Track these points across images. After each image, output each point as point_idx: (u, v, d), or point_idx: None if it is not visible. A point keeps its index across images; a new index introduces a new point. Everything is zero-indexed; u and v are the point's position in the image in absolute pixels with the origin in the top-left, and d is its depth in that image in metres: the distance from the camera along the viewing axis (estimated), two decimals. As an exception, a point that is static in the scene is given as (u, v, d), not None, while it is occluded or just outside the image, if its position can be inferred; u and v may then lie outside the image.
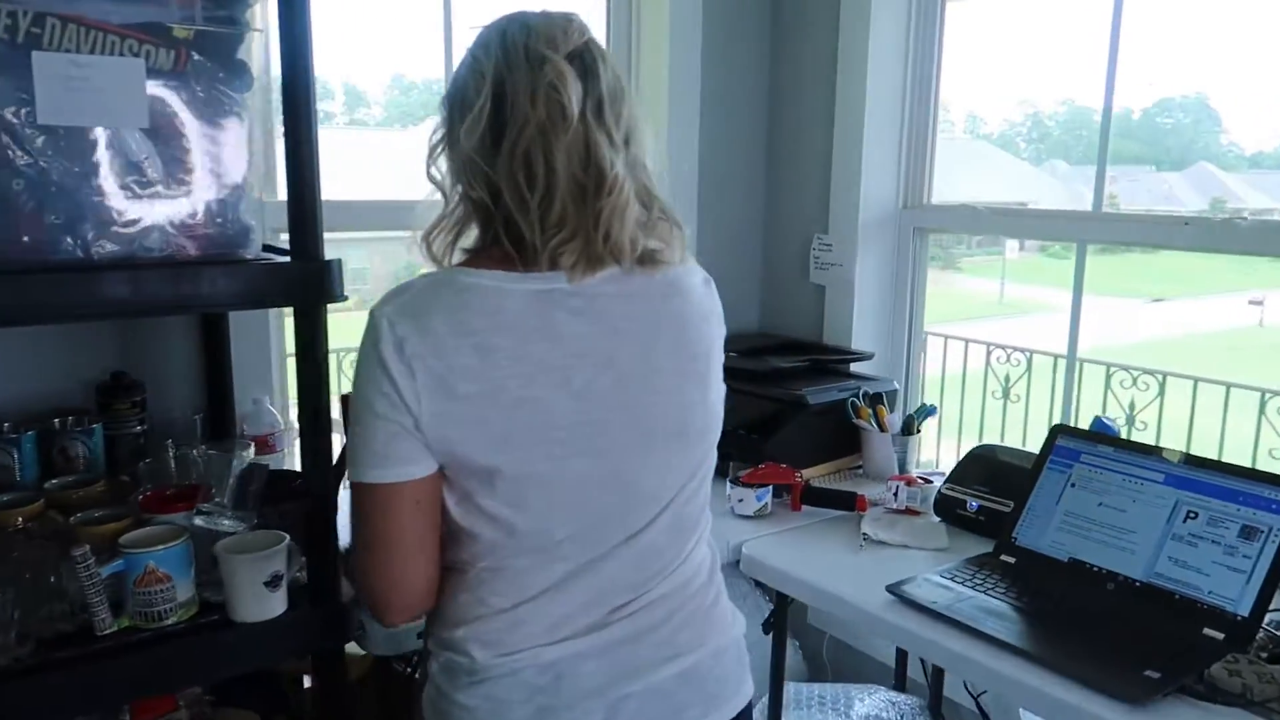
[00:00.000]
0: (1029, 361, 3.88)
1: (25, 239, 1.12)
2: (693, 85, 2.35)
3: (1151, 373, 3.46)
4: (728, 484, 1.88)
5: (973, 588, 1.54)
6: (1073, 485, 1.65)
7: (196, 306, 1.32)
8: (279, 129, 1.25)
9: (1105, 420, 1.82)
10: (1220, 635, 1.37)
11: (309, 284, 1.29)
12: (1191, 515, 1.50)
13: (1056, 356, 4.05)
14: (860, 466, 2.13)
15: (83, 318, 1.46)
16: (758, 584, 2.02)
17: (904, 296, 2.38)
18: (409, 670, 1.67)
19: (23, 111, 1.09)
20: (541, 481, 1.02)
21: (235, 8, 1.22)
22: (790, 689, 2.06)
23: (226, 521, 1.39)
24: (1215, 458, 1.54)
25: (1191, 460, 1.54)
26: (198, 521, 1.37)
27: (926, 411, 2.11)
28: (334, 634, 1.39)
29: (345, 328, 1.50)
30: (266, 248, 1.35)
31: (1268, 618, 1.38)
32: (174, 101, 1.19)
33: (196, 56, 1.19)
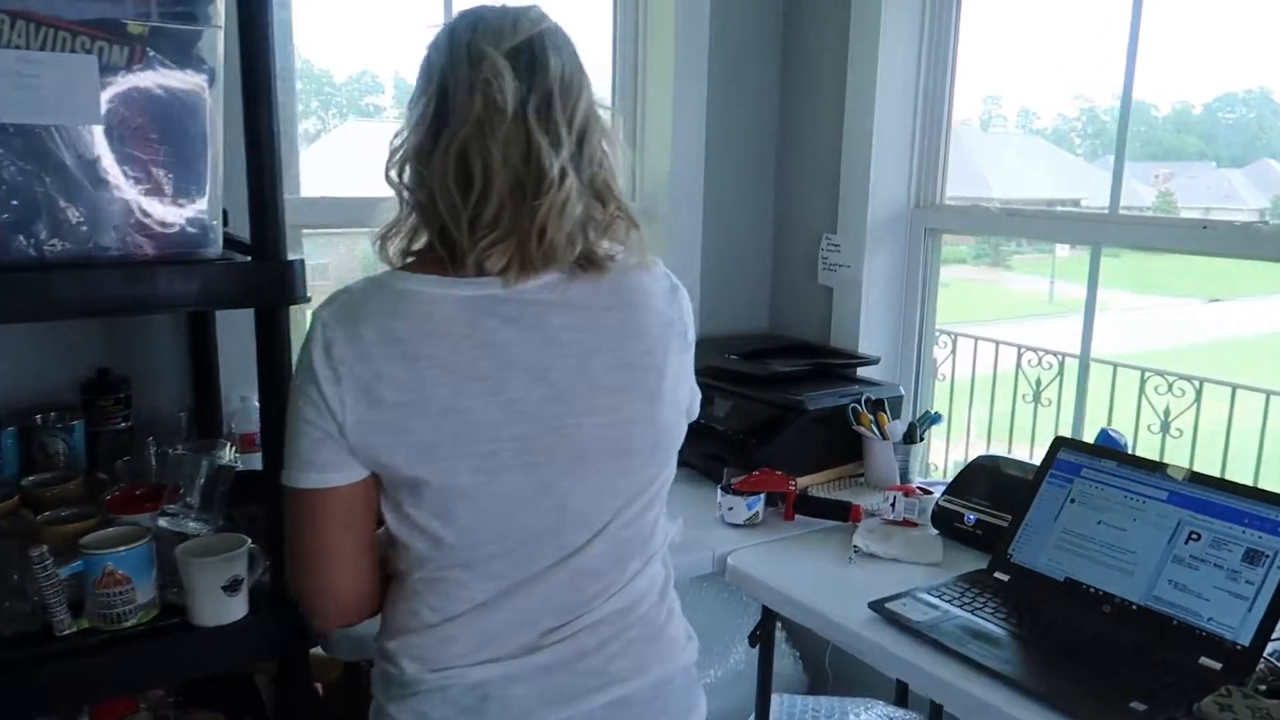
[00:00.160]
0: (1060, 365, 3.77)
1: (-24, 238, 1.11)
2: (699, 82, 2.30)
3: (1188, 378, 3.34)
4: (718, 491, 1.84)
5: (961, 606, 1.48)
6: (1072, 501, 1.58)
7: (152, 307, 1.30)
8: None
9: (1112, 433, 1.74)
10: (1217, 665, 1.30)
11: (270, 285, 1.27)
12: (1194, 536, 1.42)
13: (1088, 360, 3.94)
14: (862, 475, 2.07)
15: (35, 318, 1.46)
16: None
17: (914, 299, 2.31)
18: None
19: (-28, 110, 1.08)
20: (468, 495, 0.98)
21: (194, 3, 1.20)
22: (783, 702, 2.01)
23: (192, 523, 1.38)
24: (1220, 475, 1.47)
25: (1197, 478, 1.47)
26: (162, 523, 1.36)
27: (931, 419, 2.05)
28: (296, 639, 1.37)
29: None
30: (239, 247, 1.33)
31: (1269, 648, 1.30)
32: (129, 98, 1.17)
33: (152, 53, 1.17)
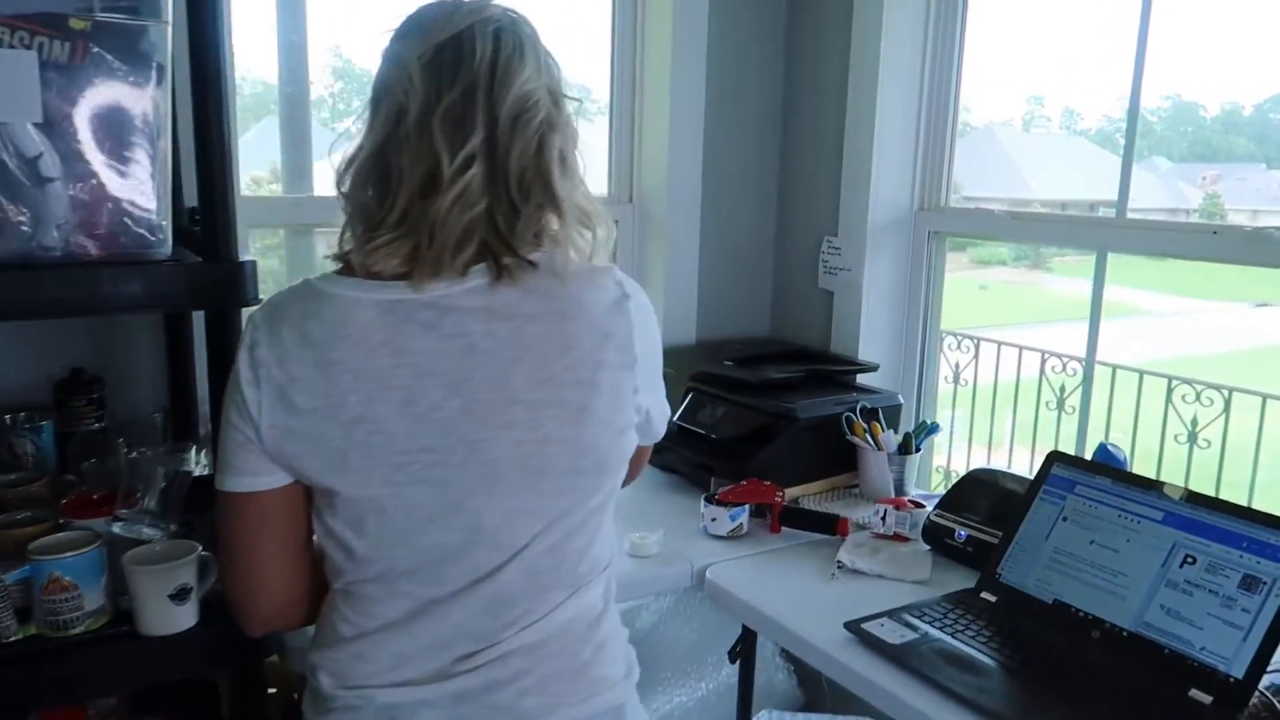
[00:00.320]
0: (1087, 371, 3.67)
1: (-87, 237, 1.09)
2: (697, 82, 2.25)
3: (1216, 387, 3.23)
4: (702, 501, 1.78)
5: (942, 628, 1.41)
6: (1065, 519, 1.50)
7: (94, 309, 1.28)
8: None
9: (1110, 448, 1.66)
10: (1208, 699, 1.23)
11: (219, 287, 1.24)
12: (1189, 560, 1.35)
13: (1116, 367, 3.85)
14: (857, 486, 2.00)
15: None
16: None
17: (917, 303, 2.24)
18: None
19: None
20: (378, 507, 0.95)
21: (140, -2, 1.17)
22: (770, 718, 1.95)
23: (147, 529, 1.36)
24: (1217, 495, 1.38)
25: (1194, 498, 1.39)
26: (115, 528, 1.33)
27: (929, 429, 1.97)
28: (249, 649, 1.33)
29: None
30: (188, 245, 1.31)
31: (1264, 681, 1.22)
32: (71, 95, 1.14)
33: (96, 49, 1.14)
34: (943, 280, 2.24)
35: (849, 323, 2.22)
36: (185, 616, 1.28)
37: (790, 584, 1.60)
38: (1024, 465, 3.50)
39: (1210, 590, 1.31)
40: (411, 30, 0.97)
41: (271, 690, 1.59)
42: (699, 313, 2.36)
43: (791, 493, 1.94)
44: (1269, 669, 1.22)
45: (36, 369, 1.67)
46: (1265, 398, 3.17)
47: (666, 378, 2.25)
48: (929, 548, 1.71)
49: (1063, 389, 3.73)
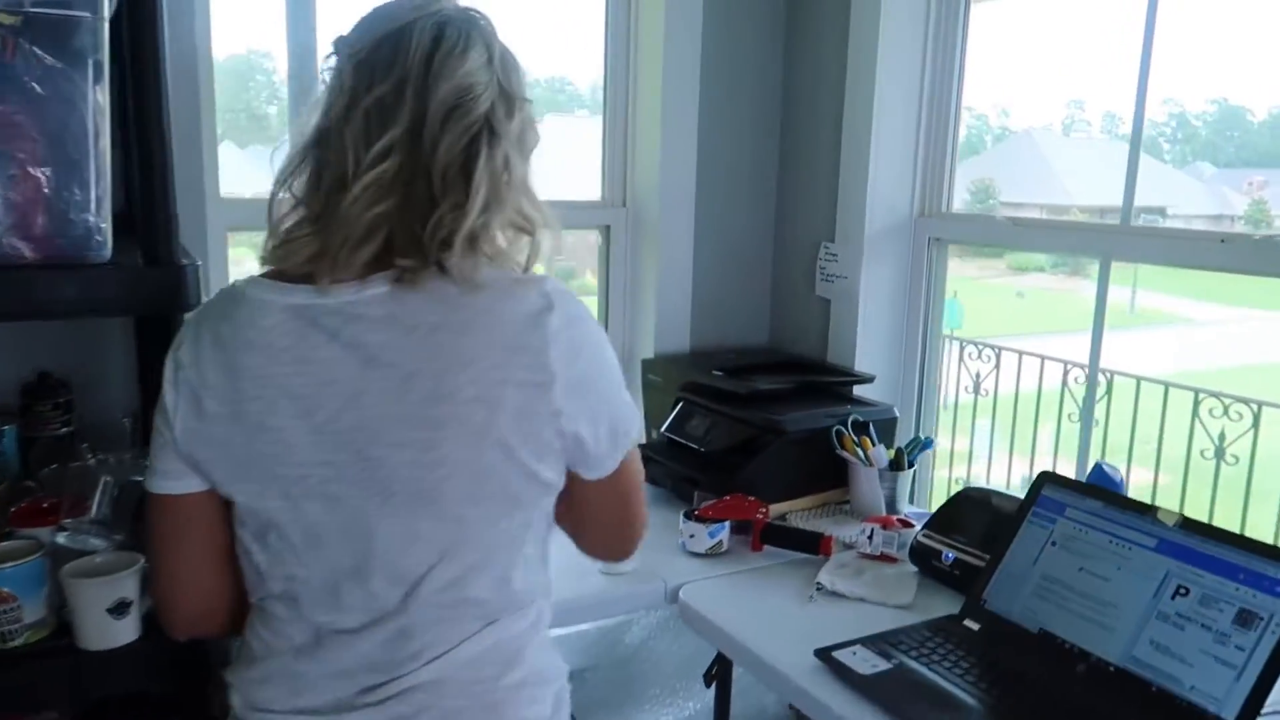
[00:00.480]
0: (1109, 383, 3.57)
1: None
2: (691, 82, 2.18)
3: (1245, 401, 3.12)
4: (680, 518, 1.72)
5: (918, 658, 1.34)
6: (1053, 544, 1.42)
7: (27, 314, 1.24)
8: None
9: (1106, 468, 1.57)
10: (1196, 742, 1.14)
11: (158, 291, 1.20)
12: (1182, 591, 1.26)
13: (1140, 379, 3.73)
14: (848, 503, 1.93)
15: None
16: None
17: (917, 312, 2.16)
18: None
19: None
20: (276, 521, 0.91)
21: (74, -8, 1.13)
22: (753, 743, 1.88)
23: (94, 540, 1.32)
24: (1244, 513, 1.30)
25: (1189, 525, 1.30)
26: (60, 539, 1.30)
27: (922, 445, 1.89)
28: (192, 666, 1.29)
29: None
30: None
31: (1257, 726, 1.14)
32: (2, 93, 1.10)
33: (27, 45, 1.10)
34: (944, 289, 2.16)
35: (846, 332, 2.15)
36: (125, 631, 1.24)
37: (765, 606, 1.53)
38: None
39: (1203, 625, 1.22)
40: (357, 27, 0.95)
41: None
42: (693, 320, 2.29)
43: (779, 509, 1.87)
44: (1263, 712, 1.14)
45: (4, 372, 1.65)
46: (1297, 412, 3.05)
47: (655, 387, 2.19)
48: (916, 570, 1.63)
49: (1084, 400, 3.62)
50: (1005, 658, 1.34)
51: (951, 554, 1.58)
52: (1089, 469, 2.01)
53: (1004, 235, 2.01)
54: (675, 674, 2.19)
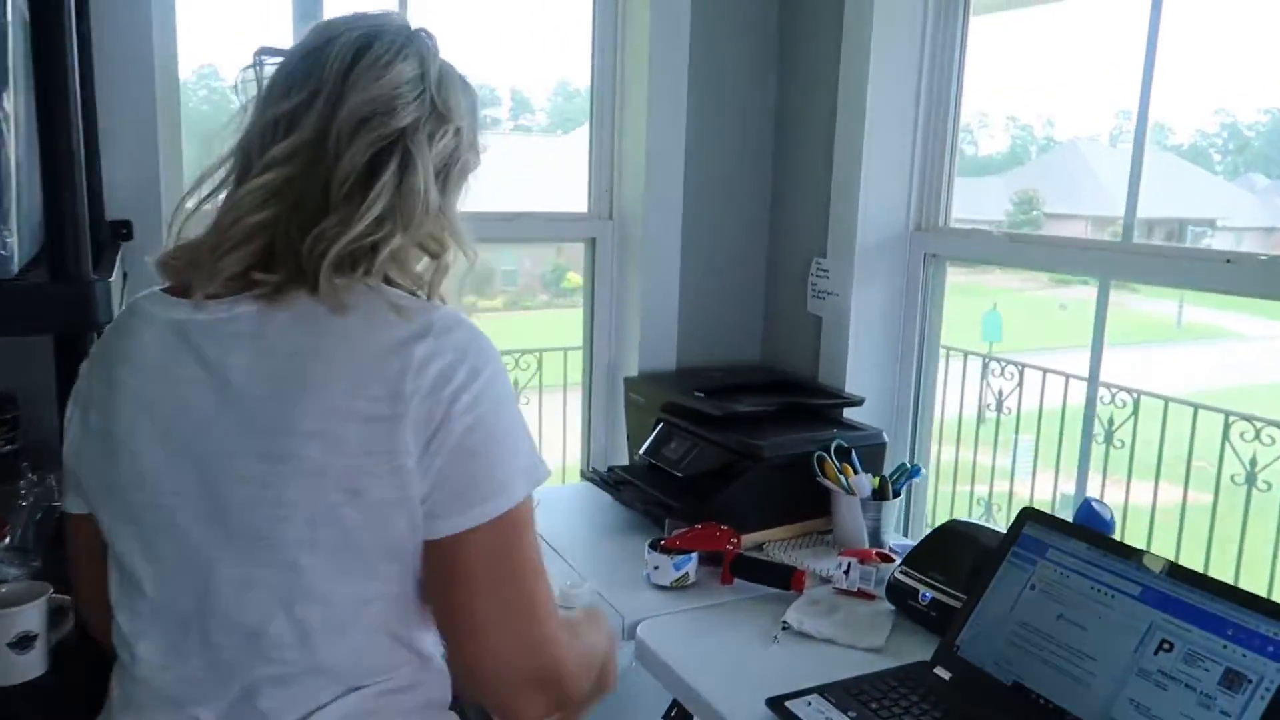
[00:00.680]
0: (1136, 403, 3.44)
1: None
2: (678, 90, 2.10)
3: (1278, 424, 2.97)
4: (646, 548, 1.63)
5: (878, 710, 1.23)
6: (1033, 588, 1.32)
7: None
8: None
9: (1095, 505, 1.46)
10: (1172, 818, 1.03)
11: (66, 309, 1.13)
12: (1165, 646, 1.15)
13: (1168, 400, 3.58)
14: (831, 533, 1.83)
15: None
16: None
17: (912, 331, 2.05)
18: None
19: None
20: (126, 549, 0.87)
21: (-23, -5, 1.07)
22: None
23: (11, 568, 1.27)
24: (1202, 571, 1.18)
25: (1177, 572, 1.19)
26: (-29, 566, 1.25)
27: (909, 473, 1.79)
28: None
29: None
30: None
31: (1241, 802, 1.03)
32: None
33: (-76, 50, 1.05)
34: (942, 306, 2.05)
35: (836, 352, 2.05)
36: (30, 666, 1.18)
37: (726, 646, 1.44)
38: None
39: (1187, 684, 1.11)
40: (298, 39, 0.93)
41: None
42: (680, 336, 2.20)
43: (755, 538, 1.77)
44: (1248, 787, 1.03)
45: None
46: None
47: (637, 407, 2.10)
48: (893, 609, 1.53)
49: (1111, 420, 3.48)
50: (976, 712, 1.24)
51: (929, 593, 1.48)
52: (1097, 495, 1.90)
53: (1000, 252, 1.90)
54: (656, 704, 2.10)
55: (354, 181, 0.86)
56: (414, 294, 0.91)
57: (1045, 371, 3.72)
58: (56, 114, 1.10)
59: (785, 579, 1.58)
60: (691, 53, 2.09)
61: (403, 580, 0.86)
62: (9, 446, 1.59)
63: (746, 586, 1.62)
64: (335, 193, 0.85)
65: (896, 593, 1.53)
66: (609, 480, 1.93)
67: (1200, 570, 1.18)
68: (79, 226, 1.13)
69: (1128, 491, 3.43)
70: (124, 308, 0.96)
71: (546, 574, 0.91)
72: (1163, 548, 3.18)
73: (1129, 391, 3.38)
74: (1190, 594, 1.16)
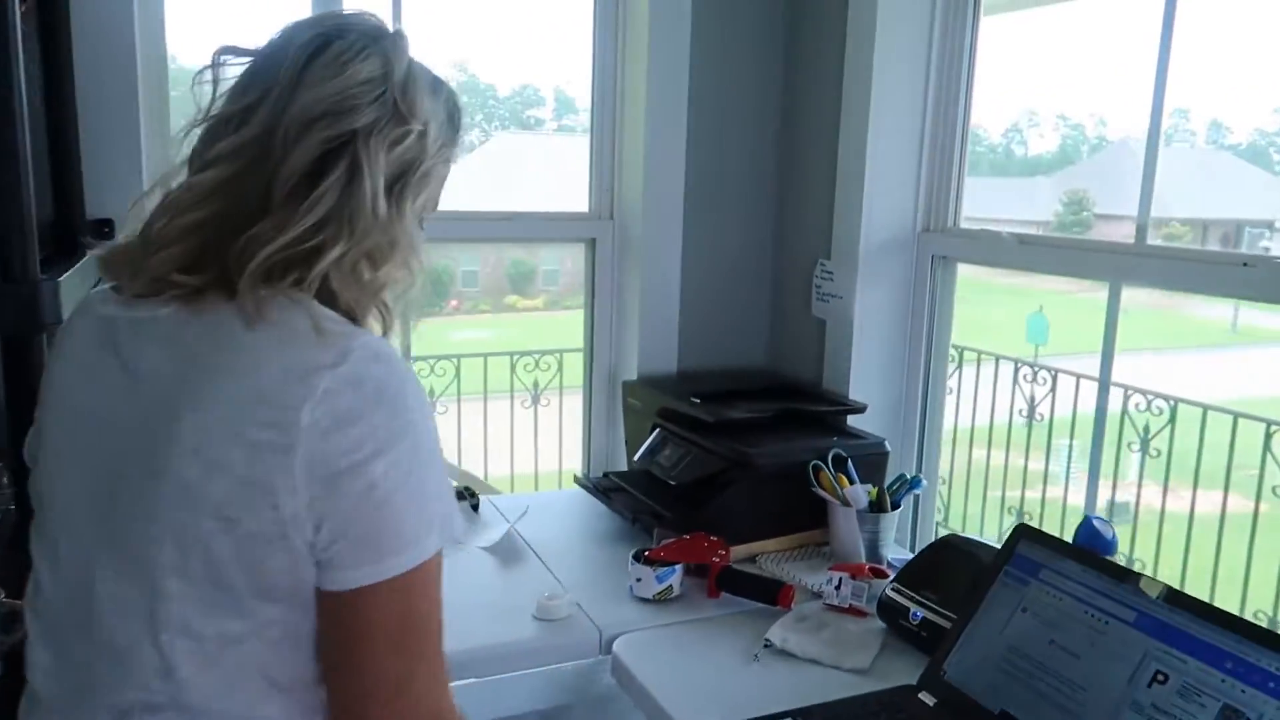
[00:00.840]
0: (1173, 411, 3.32)
1: None
2: (679, 87, 2.04)
3: (1321, 434, 2.84)
4: (629, 560, 1.57)
5: (855, 738, 1.17)
6: (1024, 610, 1.24)
7: None
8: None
9: (1097, 523, 1.38)
10: None
11: (16, 310, 1.11)
12: (1160, 678, 1.07)
13: (1206, 408, 3.45)
14: (829, 545, 1.76)
15: None
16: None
17: (919, 335, 1.97)
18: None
19: None
20: (39, 547, 0.84)
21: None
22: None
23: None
24: (1203, 599, 1.10)
25: (1175, 599, 1.11)
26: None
27: (909, 484, 1.71)
28: None
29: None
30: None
31: None
32: None
33: None
34: (951, 310, 1.97)
35: (840, 357, 1.98)
36: (-26, 675, 1.16)
37: (705, 664, 1.38)
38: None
39: (1181, 721, 1.03)
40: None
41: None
42: (681, 340, 2.15)
43: (747, 550, 1.71)
44: (1243, 835, 0.95)
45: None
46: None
47: (634, 412, 2.05)
48: (884, 627, 1.46)
49: (1147, 429, 3.36)
50: (958, 742, 1.17)
51: (920, 612, 1.41)
52: (1097, 511, 1.82)
53: (1010, 254, 1.81)
54: None
55: (296, 183, 0.81)
56: (351, 314, 0.85)
57: (1079, 377, 3.61)
58: (2, 115, 1.08)
59: (772, 594, 1.52)
60: (694, 49, 2.04)
61: (286, 625, 0.79)
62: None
63: (733, 601, 1.56)
64: (276, 194, 0.81)
65: (887, 611, 1.46)
66: (600, 486, 1.88)
67: (1219, 590, 1.10)
68: (26, 227, 1.11)
69: (1164, 500, 3.31)
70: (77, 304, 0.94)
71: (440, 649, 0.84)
72: (1200, 561, 3.06)
73: (1165, 399, 3.26)
74: (1188, 622, 1.08)
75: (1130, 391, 3.38)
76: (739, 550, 1.69)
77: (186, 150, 0.86)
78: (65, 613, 0.82)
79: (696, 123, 2.08)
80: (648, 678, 1.34)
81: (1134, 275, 1.58)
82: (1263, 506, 2.94)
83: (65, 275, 1.18)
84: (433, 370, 3.92)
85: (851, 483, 1.68)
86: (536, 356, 3.99)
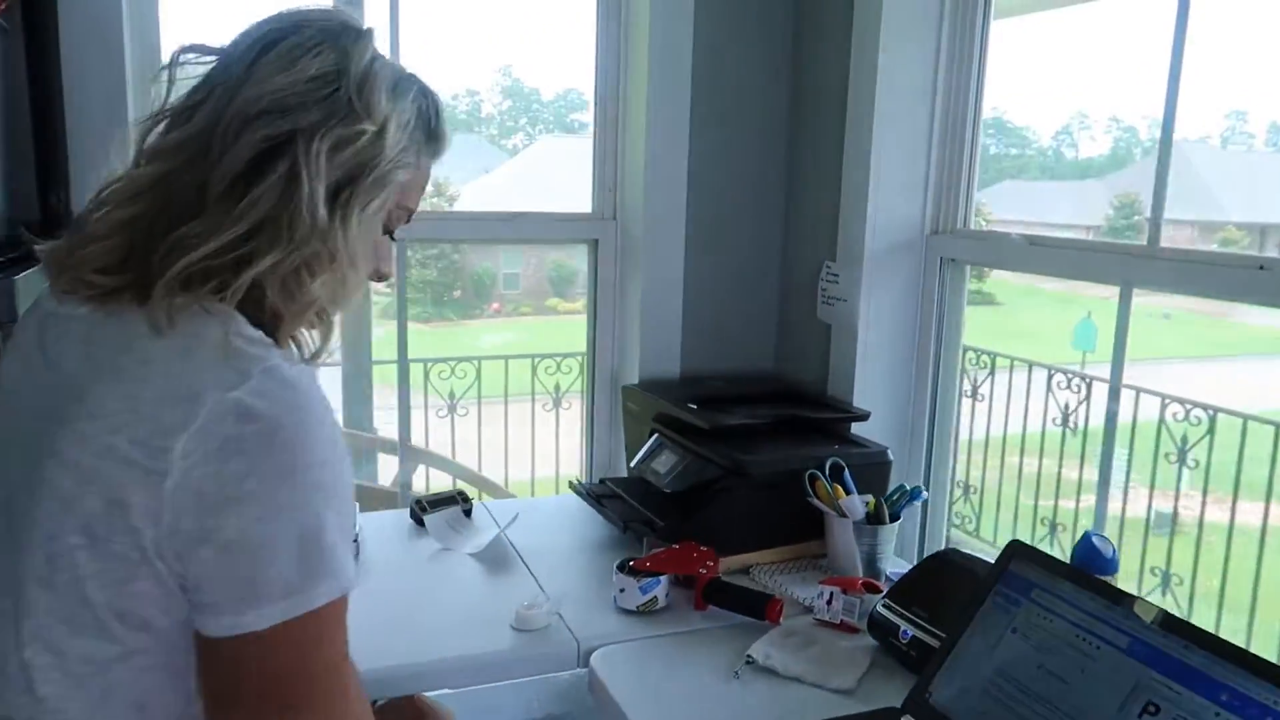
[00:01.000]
0: (1211, 421, 3.21)
1: None
2: (681, 83, 2.00)
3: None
4: (614, 570, 1.53)
5: (828, 764, 1.11)
6: (1014, 631, 1.18)
7: None
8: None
9: (1096, 540, 1.30)
10: None
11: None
12: (1150, 709, 1.00)
13: (1247, 418, 3.33)
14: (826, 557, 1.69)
15: None
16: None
17: (927, 341, 1.90)
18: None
19: None
20: None
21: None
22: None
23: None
24: (1200, 625, 1.03)
25: (1171, 624, 1.04)
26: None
27: (910, 495, 1.64)
28: None
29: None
30: None
31: None
32: None
33: None
34: (961, 315, 1.90)
35: (844, 362, 1.91)
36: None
37: (683, 679, 1.33)
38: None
39: (1172, 756, 0.96)
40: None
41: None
42: (685, 343, 2.09)
43: (740, 561, 1.66)
44: None
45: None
46: None
47: (633, 416, 2.00)
48: (876, 645, 1.40)
49: (1184, 439, 3.26)
50: (938, 770, 1.11)
51: (910, 630, 1.34)
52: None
53: (1017, 256, 1.73)
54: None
55: (231, 184, 0.78)
56: (278, 327, 0.81)
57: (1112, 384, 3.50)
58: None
59: (759, 608, 1.46)
60: (697, 45, 1.99)
61: (158, 656, 0.75)
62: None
63: (721, 614, 1.50)
64: (210, 194, 0.78)
65: (878, 628, 1.39)
66: (594, 493, 1.84)
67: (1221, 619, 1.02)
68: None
69: (1202, 512, 3.20)
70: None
71: (357, 698, 0.79)
72: (1240, 580, 2.94)
73: (1205, 408, 3.15)
74: (1183, 651, 1.01)
75: (1168, 400, 3.27)
76: (732, 561, 1.64)
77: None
78: None
79: (699, 120, 2.03)
80: (621, 693, 1.29)
81: (1143, 278, 1.50)
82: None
83: (25, 274, 1.16)
84: (453, 372, 3.91)
85: (848, 493, 1.62)
86: (558, 359, 3.96)
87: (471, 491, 1.89)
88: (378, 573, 1.63)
